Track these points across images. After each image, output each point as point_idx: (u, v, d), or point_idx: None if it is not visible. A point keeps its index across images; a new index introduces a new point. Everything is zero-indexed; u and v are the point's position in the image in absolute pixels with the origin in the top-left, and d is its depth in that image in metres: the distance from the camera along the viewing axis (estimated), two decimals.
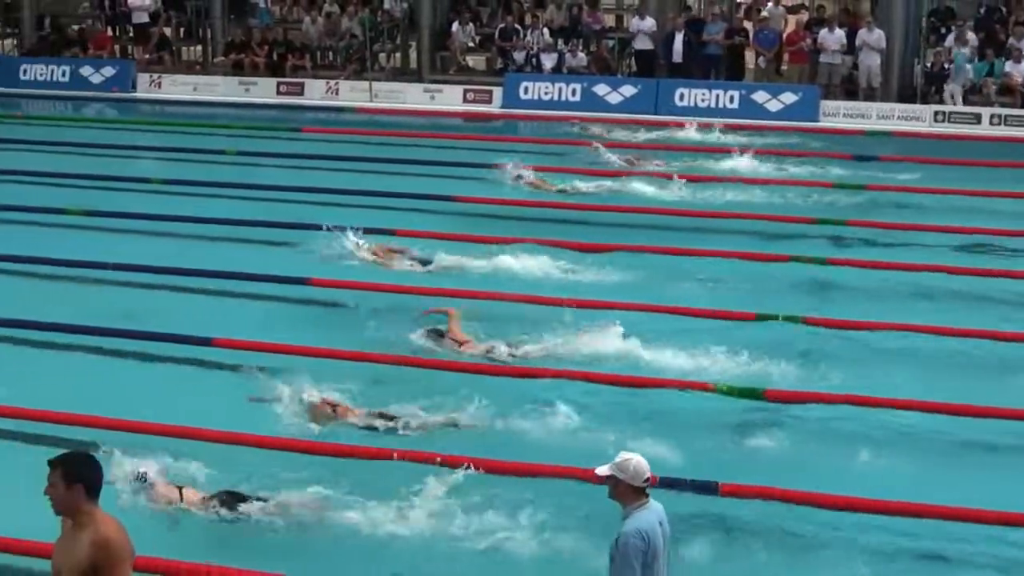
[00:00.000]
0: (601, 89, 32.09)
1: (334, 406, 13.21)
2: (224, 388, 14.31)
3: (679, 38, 32.51)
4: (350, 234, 18.89)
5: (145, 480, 11.17)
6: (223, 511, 11.06)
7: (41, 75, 35.57)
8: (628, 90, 32.03)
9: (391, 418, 13.08)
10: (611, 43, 34.13)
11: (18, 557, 10.32)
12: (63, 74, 35.46)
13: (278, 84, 33.97)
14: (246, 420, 12.99)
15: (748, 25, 34.51)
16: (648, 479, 7.99)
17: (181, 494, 11.19)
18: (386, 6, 35.39)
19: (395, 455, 11.99)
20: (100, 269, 18.55)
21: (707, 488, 11.51)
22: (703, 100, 31.44)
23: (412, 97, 32.98)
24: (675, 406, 13.59)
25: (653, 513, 8.01)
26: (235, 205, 22.23)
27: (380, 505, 11.17)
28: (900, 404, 13.38)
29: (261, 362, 14.23)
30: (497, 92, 32.69)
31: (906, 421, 13.18)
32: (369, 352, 14.89)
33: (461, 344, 15.23)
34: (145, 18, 36.59)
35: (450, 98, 32.69)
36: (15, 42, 38.91)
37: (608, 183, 23.78)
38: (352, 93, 33.25)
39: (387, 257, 18.88)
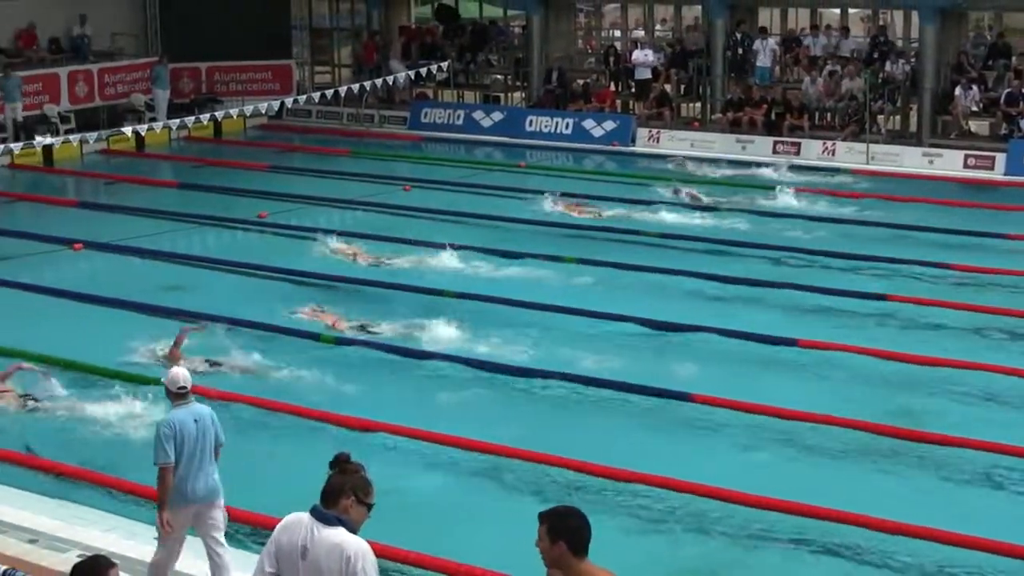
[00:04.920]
0: None
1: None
2: None
3: None
4: None
5: None
6: None
7: (546, 127, 36.91)
8: None
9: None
10: None
11: None
12: (566, 126, 36.65)
13: (774, 143, 33.95)
14: None
15: None
16: (181, 386, 10.48)
17: None
18: (888, 68, 34.88)
19: None
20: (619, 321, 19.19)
21: None
22: None
23: (910, 161, 32.29)
24: None
25: (189, 412, 10.52)
26: (750, 263, 22.86)
27: None
28: None
29: None
30: (1000, 158, 31.59)
31: None
32: None
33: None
34: (648, 74, 37.49)
35: (950, 163, 31.83)
36: (523, 95, 40.53)
37: None
38: (848, 154, 32.84)
39: None
